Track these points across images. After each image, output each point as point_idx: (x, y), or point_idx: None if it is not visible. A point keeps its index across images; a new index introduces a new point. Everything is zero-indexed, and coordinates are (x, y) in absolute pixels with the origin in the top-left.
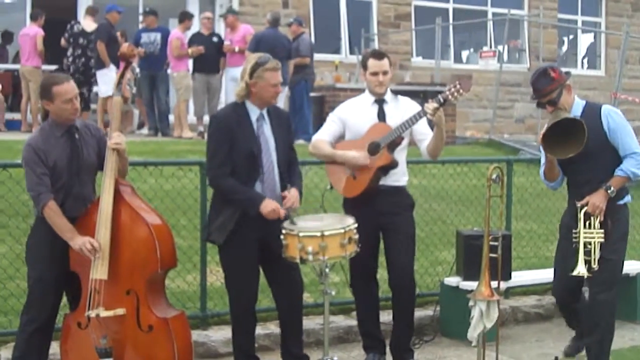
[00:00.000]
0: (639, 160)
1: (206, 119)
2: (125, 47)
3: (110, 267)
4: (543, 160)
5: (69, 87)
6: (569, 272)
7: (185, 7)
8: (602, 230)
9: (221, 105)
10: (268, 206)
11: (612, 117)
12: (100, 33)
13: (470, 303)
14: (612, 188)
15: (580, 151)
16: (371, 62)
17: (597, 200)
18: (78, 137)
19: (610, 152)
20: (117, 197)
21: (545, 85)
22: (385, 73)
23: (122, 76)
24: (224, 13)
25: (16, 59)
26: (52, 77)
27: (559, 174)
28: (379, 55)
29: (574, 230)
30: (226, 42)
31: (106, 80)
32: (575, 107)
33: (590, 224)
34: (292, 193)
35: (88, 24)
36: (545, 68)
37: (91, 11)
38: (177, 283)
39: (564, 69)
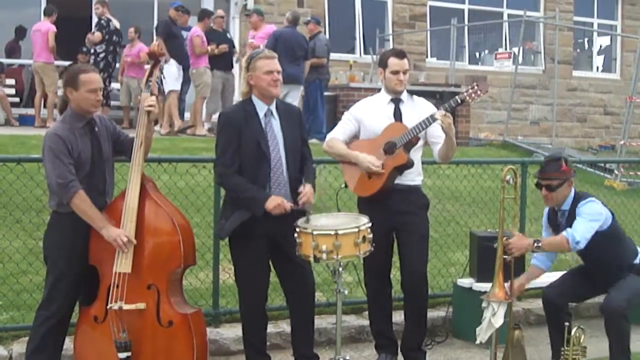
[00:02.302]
0: (574, 236)
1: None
2: (154, 45)
3: (133, 261)
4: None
5: (96, 77)
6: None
7: (200, 4)
8: (585, 347)
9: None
10: (273, 201)
11: (585, 205)
12: (158, 29)
13: (483, 304)
14: (540, 244)
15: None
16: (392, 61)
17: (520, 244)
18: (97, 130)
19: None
20: (143, 191)
21: (552, 171)
22: (405, 72)
23: (150, 74)
24: (249, 12)
25: (28, 55)
26: (79, 66)
27: None
28: (400, 54)
29: (562, 348)
30: (250, 40)
31: (168, 75)
32: (568, 200)
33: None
34: (306, 189)
35: (116, 22)
36: (559, 157)
37: (109, 5)
38: (190, 280)
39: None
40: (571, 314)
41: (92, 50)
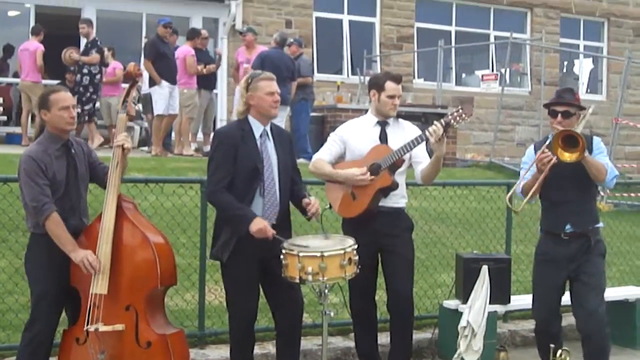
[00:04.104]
0: (613, 169)
1: (200, 136)
2: (131, 66)
3: (111, 283)
4: (524, 175)
5: (66, 96)
6: (550, 293)
7: (189, 24)
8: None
9: (220, 122)
10: (256, 225)
11: (600, 145)
12: (146, 50)
13: (462, 324)
14: (589, 156)
15: (569, 171)
16: (390, 85)
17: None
18: (74, 151)
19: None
20: (119, 213)
21: (571, 99)
22: (399, 97)
23: (127, 94)
24: (244, 31)
25: (17, 73)
26: (49, 88)
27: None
28: (397, 78)
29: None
30: (246, 65)
31: (159, 98)
32: None
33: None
34: (313, 200)
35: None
36: (572, 88)
37: (91, 24)
38: (176, 301)
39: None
40: (562, 339)
41: (85, 70)
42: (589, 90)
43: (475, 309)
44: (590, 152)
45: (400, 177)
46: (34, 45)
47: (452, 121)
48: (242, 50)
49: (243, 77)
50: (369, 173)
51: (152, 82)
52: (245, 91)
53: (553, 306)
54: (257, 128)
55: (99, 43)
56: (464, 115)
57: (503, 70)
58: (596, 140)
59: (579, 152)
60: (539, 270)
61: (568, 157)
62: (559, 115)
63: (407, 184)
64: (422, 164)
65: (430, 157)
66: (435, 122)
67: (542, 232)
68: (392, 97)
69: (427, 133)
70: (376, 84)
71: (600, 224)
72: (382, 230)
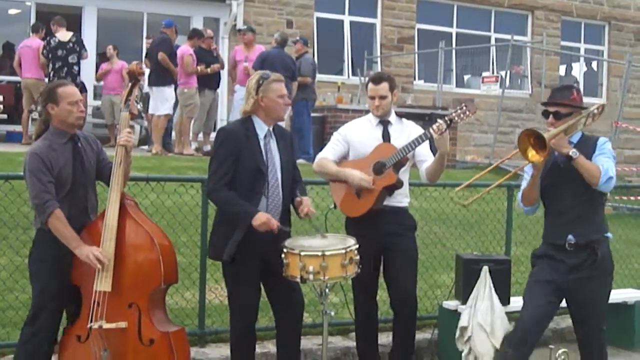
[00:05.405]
0: (607, 170)
1: (200, 135)
2: (133, 65)
3: (114, 280)
4: (524, 184)
5: (75, 91)
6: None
7: (190, 24)
8: None
9: (220, 122)
10: (259, 218)
11: (603, 146)
12: (162, 45)
13: (463, 324)
14: (577, 155)
15: (567, 177)
16: (369, 86)
17: (563, 139)
18: (80, 146)
19: None
20: (122, 210)
21: (562, 98)
22: (382, 97)
23: (129, 93)
24: (244, 29)
25: (15, 71)
26: (56, 82)
27: (537, 198)
28: (376, 79)
29: None
30: (245, 64)
31: (160, 98)
32: (575, 135)
33: None
34: (305, 199)
35: (63, 35)
36: (571, 86)
37: (60, 22)
38: (176, 299)
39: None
40: None
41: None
42: (589, 94)
43: (482, 310)
44: (592, 153)
45: (403, 176)
46: (35, 42)
47: (456, 118)
48: (240, 48)
49: (241, 75)
50: (373, 179)
51: (155, 81)
52: (255, 92)
53: (536, 315)
54: (262, 129)
55: (44, 43)
56: (468, 113)
57: (503, 73)
58: (601, 141)
59: (543, 156)
60: (530, 283)
61: (531, 156)
62: (551, 116)
63: (409, 184)
64: (427, 162)
65: (435, 155)
66: (438, 119)
67: (543, 244)
68: (372, 97)
69: (431, 130)
70: (365, 86)
71: (609, 234)
72: (385, 229)
